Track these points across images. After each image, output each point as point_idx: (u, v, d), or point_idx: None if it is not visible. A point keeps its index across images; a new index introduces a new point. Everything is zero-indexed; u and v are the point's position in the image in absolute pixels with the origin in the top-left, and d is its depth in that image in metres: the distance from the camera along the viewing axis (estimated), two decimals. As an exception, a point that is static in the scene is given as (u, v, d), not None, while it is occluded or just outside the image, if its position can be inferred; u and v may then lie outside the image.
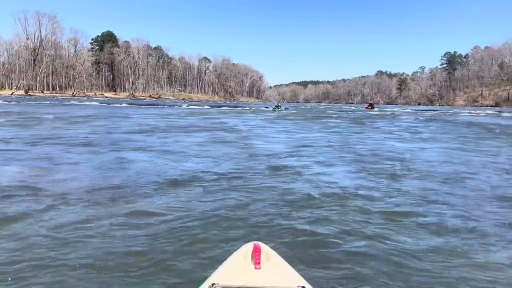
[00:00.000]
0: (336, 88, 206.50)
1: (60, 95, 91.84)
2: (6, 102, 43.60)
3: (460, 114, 46.63)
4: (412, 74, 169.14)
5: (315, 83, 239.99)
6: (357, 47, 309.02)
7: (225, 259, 2.08)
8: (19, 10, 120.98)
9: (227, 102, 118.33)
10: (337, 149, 10.61)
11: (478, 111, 57.78)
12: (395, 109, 67.19)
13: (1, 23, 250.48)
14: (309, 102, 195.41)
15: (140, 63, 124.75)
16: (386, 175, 6.79)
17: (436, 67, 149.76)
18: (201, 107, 50.66)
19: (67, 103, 47.49)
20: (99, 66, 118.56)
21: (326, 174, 6.80)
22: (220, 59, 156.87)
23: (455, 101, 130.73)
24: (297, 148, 10.54)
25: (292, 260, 2.74)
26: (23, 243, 3.27)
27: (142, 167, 6.93)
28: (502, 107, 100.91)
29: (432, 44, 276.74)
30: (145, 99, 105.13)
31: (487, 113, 49.70)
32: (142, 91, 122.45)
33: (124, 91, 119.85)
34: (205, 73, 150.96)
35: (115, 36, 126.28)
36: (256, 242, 2.06)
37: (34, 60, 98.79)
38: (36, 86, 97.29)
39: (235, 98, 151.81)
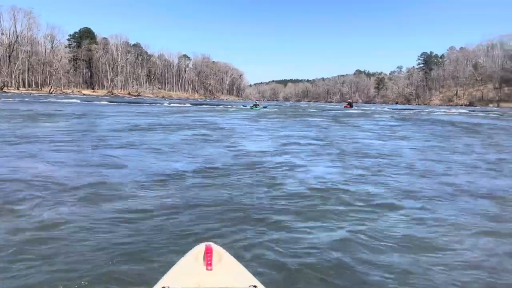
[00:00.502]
0: (316, 87, 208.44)
1: (37, 92, 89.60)
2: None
3: (435, 113, 48.12)
4: (390, 74, 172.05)
5: (295, 81, 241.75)
6: (336, 46, 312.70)
7: (176, 262, 2.06)
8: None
9: (207, 100, 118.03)
10: (319, 146, 11.13)
11: (452, 110, 59.92)
12: (373, 108, 68.72)
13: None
14: (289, 101, 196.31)
15: (119, 60, 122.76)
16: (364, 169, 7.33)
17: (413, 67, 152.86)
18: (183, 105, 50.66)
19: (44, 100, 46.57)
20: (76, 63, 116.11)
21: (304, 172, 7.26)
22: (200, 56, 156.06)
23: (431, 100, 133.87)
24: (277, 147, 10.98)
25: (245, 259, 2.92)
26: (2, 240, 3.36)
27: (120, 165, 7.06)
28: (476, 106, 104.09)
29: (410, 45, 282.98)
30: (124, 96, 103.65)
31: (460, 112, 51.67)
32: (121, 89, 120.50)
33: (102, 89, 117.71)
34: (185, 71, 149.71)
35: (93, 33, 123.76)
36: (207, 243, 2.07)
37: (9, 56, 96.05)
38: (12, 82, 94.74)
39: (215, 96, 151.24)
